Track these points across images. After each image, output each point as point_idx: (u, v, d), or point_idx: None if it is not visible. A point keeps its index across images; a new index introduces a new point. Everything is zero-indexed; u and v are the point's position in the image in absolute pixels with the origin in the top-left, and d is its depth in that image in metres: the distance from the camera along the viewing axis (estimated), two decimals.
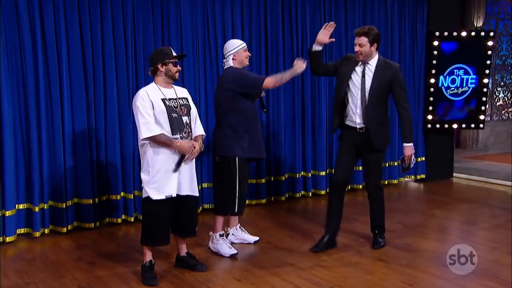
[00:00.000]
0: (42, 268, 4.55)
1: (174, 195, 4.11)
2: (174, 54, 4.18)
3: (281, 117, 6.53)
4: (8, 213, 5.14)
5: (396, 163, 7.49)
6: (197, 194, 4.31)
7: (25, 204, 5.33)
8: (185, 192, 4.19)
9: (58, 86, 5.31)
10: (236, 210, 4.75)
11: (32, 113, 5.24)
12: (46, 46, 5.24)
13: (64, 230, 5.39)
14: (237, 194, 4.68)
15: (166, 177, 4.09)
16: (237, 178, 4.68)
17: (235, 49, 4.75)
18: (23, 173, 5.31)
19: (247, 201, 6.37)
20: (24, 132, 5.28)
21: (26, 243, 5.22)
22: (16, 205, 5.25)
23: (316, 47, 4.68)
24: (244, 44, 4.82)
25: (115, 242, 5.22)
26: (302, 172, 6.79)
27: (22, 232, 5.34)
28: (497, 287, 4.04)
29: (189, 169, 4.23)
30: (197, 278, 4.26)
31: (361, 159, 4.86)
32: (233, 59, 4.76)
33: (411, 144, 4.69)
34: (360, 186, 7.09)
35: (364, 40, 4.51)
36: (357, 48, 4.54)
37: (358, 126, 4.64)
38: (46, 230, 5.38)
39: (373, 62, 4.59)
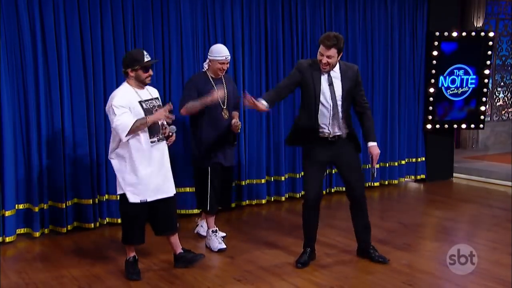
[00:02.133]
0: (42, 268, 4.55)
1: (149, 199, 4.20)
2: (147, 59, 4.15)
3: (281, 117, 6.53)
4: (7, 213, 5.14)
5: (396, 163, 7.49)
6: (171, 193, 4.33)
7: (24, 204, 5.33)
8: (160, 195, 4.24)
9: (58, 86, 5.31)
10: (208, 208, 4.88)
11: (32, 113, 5.23)
12: (46, 46, 5.24)
13: (64, 230, 5.39)
14: (208, 192, 4.81)
15: (143, 181, 4.15)
16: (209, 177, 4.83)
17: (212, 57, 4.83)
18: (23, 173, 5.30)
19: (247, 201, 6.45)
20: (24, 132, 5.28)
21: (26, 243, 5.22)
22: (16, 205, 5.24)
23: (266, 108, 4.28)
24: (224, 57, 4.80)
25: (114, 242, 5.20)
26: (302, 172, 6.77)
27: (21, 232, 5.33)
28: (497, 287, 4.04)
29: (164, 171, 4.28)
30: (197, 278, 4.26)
31: (337, 168, 4.58)
32: (208, 64, 4.88)
33: (376, 143, 4.48)
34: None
35: (333, 51, 4.18)
36: (324, 60, 4.20)
37: (331, 136, 4.38)
38: (45, 230, 5.38)
39: (336, 68, 4.34)
